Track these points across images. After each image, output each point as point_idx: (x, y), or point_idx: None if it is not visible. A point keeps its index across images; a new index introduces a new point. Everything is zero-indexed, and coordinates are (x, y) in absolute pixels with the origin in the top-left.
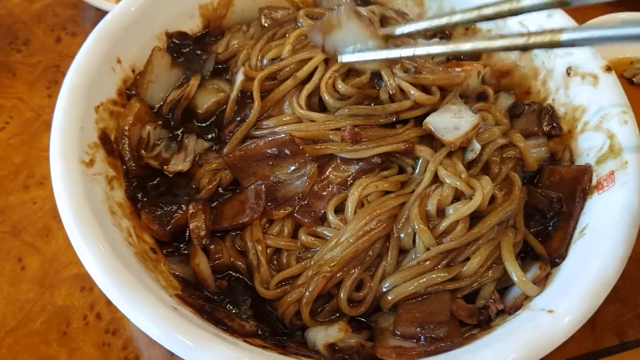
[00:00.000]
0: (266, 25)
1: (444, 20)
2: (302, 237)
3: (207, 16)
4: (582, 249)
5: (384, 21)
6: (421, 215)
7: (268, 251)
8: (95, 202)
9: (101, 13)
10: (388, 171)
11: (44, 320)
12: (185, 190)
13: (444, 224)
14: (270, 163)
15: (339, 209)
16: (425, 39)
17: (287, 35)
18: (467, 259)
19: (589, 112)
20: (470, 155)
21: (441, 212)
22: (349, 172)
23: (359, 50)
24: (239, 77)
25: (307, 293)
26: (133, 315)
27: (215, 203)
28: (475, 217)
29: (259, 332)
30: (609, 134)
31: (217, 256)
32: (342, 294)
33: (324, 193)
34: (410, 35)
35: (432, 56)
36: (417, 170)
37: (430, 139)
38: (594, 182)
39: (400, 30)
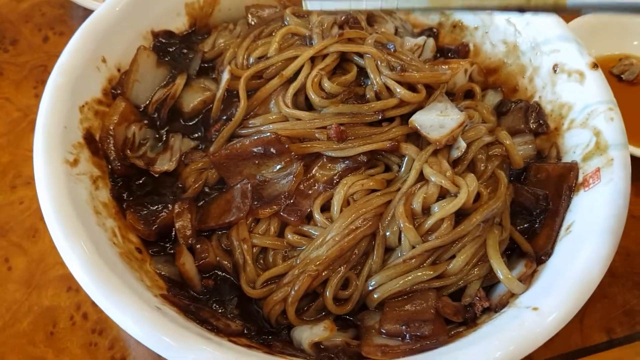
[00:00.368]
0: (253, 23)
1: None
2: (289, 236)
3: (194, 15)
4: (568, 246)
5: (371, 19)
6: (407, 213)
7: (254, 250)
8: (79, 202)
9: (89, 12)
10: (374, 169)
11: (30, 321)
12: (171, 190)
13: (429, 222)
14: (256, 162)
15: (325, 208)
16: (412, 37)
17: (273, 34)
18: (453, 256)
19: (575, 110)
20: (456, 153)
21: (427, 210)
22: (335, 171)
23: None
24: (225, 76)
25: (293, 292)
26: (116, 315)
27: (201, 202)
28: (460, 215)
29: (245, 332)
30: (595, 131)
31: (203, 255)
32: (328, 293)
33: (310, 192)
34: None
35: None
36: (402, 169)
37: (417, 137)
38: (580, 179)
39: None
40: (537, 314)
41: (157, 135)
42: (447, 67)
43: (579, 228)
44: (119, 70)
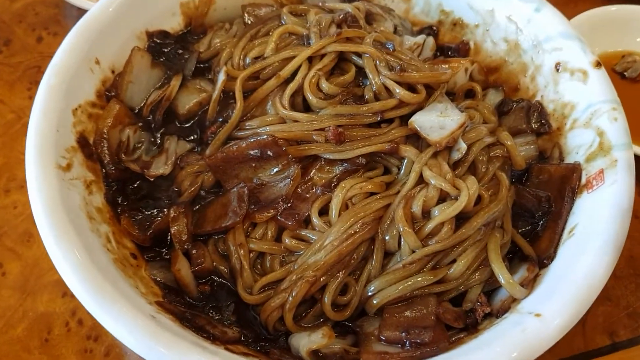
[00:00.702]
0: (249, 22)
1: None
2: (286, 241)
3: (189, 14)
4: (571, 249)
5: (369, 17)
6: (406, 217)
7: (251, 255)
8: (72, 208)
9: (83, 12)
10: (373, 172)
11: (25, 327)
12: (167, 194)
13: (430, 225)
14: (253, 165)
15: (324, 211)
16: (411, 35)
17: (270, 33)
18: (454, 261)
19: (578, 109)
20: (456, 155)
21: (426, 214)
22: (333, 173)
23: None
24: (221, 77)
25: (290, 298)
26: (109, 324)
27: (197, 206)
28: (461, 218)
29: (242, 339)
30: (599, 131)
31: (199, 261)
32: (326, 299)
33: (308, 195)
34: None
35: None
36: (402, 171)
37: (416, 139)
38: (583, 180)
39: None
40: (539, 320)
41: (152, 139)
42: (447, 66)
43: (582, 231)
44: (113, 71)
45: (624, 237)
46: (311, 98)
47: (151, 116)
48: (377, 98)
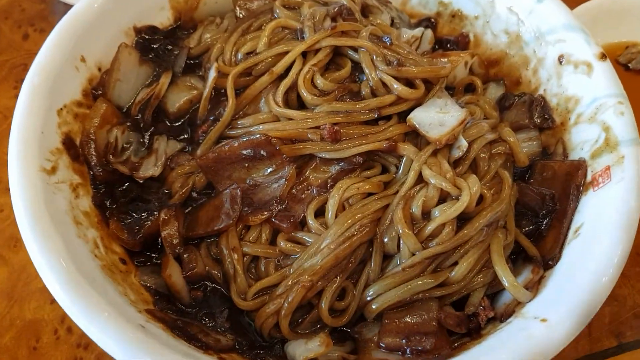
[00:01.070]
0: (241, 16)
1: None
2: (281, 244)
3: (178, 8)
4: (576, 250)
5: (365, 9)
6: (405, 218)
7: (245, 259)
8: (57, 213)
9: (70, 8)
10: (370, 171)
11: (12, 336)
12: (157, 196)
13: (430, 227)
14: (246, 165)
15: (320, 213)
16: (409, 28)
17: (262, 28)
18: (455, 263)
19: (582, 103)
20: (457, 153)
21: (427, 215)
22: (329, 173)
23: None
24: (212, 74)
25: (286, 304)
26: (95, 335)
27: (189, 208)
28: (462, 219)
29: (236, 346)
30: (605, 126)
31: (191, 266)
32: (323, 304)
33: (303, 196)
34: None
35: None
36: (400, 170)
37: (415, 136)
38: (588, 178)
39: None
40: (545, 326)
41: (141, 139)
42: (446, 60)
43: (589, 230)
44: (99, 69)
45: (632, 237)
46: (306, 95)
47: (140, 115)
48: (374, 94)
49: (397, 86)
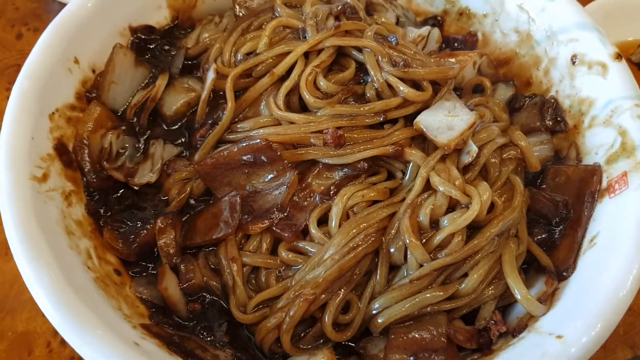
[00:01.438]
0: (240, 15)
1: None
2: (282, 254)
3: (176, 7)
4: (592, 261)
5: (370, 7)
6: (412, 227)
7: (244, 270)
8: (48, 223)
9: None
10: (376, 177)
11: (4, 349)
12: (153, 203)
13: (439, 237)
14: (246, 171)
15: (322, 221)
16: (415, 26)
17: (263, 27)
18: (465, 275)
19: (597, 105)
20: (466, 159)
21: (435, 224)
22: (333, 180)
23: None
24: (210, 75)
25: (288, 318)
26: (87, 354)
27: (186, 216)
28: (472, 228)
29: None
30: (621, 130)
31: (188, 277)
32: (326, 318)
33: (305, 203)
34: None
35: None
36: (407, 176)
37: (422, 140)
38: (604, 184)
39: None
40: (561, 343)
41: (137, 144)
42: (454, 60)
43: (605, 240)
44: (93, 71)
45: None
46: (308, 97)
47: (135, 119)
48: (379, 96)
49: (403, 88)
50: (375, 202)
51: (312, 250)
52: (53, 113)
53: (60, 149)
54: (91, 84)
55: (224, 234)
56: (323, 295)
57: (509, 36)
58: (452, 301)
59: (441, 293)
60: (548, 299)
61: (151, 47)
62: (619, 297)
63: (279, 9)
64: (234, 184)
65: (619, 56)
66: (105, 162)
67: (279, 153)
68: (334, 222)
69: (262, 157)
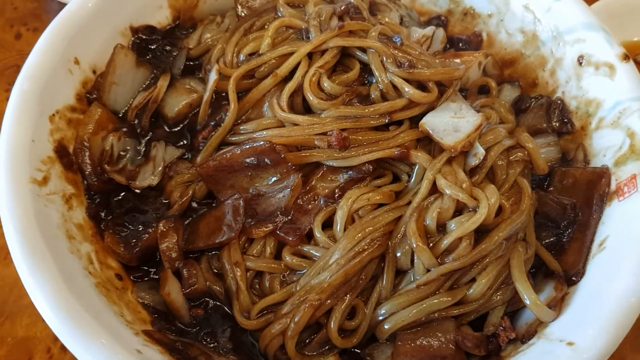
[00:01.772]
0: (243, 15)
1: None
2: (287, 258)
3: (177, 7)
4: (602, 265)
5: (373, 7)
6: (419, 231)
7: (248, 275)
8: (48, 227)
9: (65, 6)
10: (381, 179)
11: (3, 355)
12: (155, 206)
13: (446, 241)
14: (249, 174)
15: (327, 224)
16: (419, 26)
17: (266, 27)
18: (473, 280)
19: (604, 107)
20: (473, 161)
21: (442, 227)
22: (338, 183)
23: None
24: (212, 76)
25: (293, 324)
26: None
27: (188, 220)
28: (480, 232)
29: None
30: (629, 131)
31: (191, 281)
32: (332, 324)
33: (310, 207)
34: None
35: None
36: (413, 179)
37: (428, 142)
38: (612, 186)
39: None
40: (572, 350)
41: (139, 147)
42: (459, 60)
43: (615, 243)
44: (94, 72)
45: None
46: (312, 98)
47: (137, 120)
48: (384, 98)
49: (408, 89)
50: (380, 205)
51: (317, 254)
52: (53, 115)
53: (61, 151)
54: (92, 85)
55: (227, 238)
56: (328, 301)
57: (515, 36)
58: (460, 307)
59: (449, 298)
60: (557, 305)
61: (152, 47)
62: (631, 303)
63: (281, 9)
64: (237, 186)
65: (626, 57)
66: (106, 165)
67: (282, 155)
68: (339, 225)
69: (266, 160)
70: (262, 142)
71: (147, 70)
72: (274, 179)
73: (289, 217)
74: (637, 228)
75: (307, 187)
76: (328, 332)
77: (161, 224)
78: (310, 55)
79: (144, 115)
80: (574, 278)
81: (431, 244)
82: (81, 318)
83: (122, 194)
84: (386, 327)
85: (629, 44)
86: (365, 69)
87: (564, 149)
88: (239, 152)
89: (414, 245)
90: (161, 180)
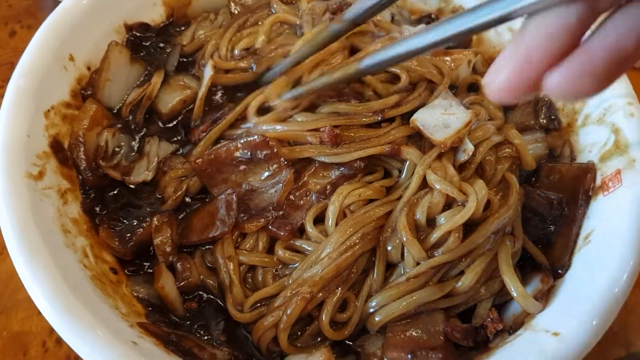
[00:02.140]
0: (236, 12)
1: None
2: (279, 252)
3: (171, 4)
4: (587, 258)
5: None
6: (410, 225)
7: (241, 269)
8: (44, 221)
9: (59, 4)
10: (372, 175)
11: None
12: (149, 201)
13: (435, 235)
14: (242, 168)
15: (319, 219)
16: (410, 25)
17: (260, 23)
18: (462, 272)
19: (590, 104)
20: (463, 157)
21: (432, 221)
22: (329, 179)
23: None
24: (208, 72)
25: (285, 317)
26: (84, 352)
27: (182, 214)
28: (468, 225)
29: None
30: (614, 128)
31: (184, 275)
32: (324, 317)
33: (302, 202)
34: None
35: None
36: (403, 174)
37: (419, 138)
38: (598, 182)
39: None
40: (558, 340)
41: (133, 142)
42: (449, 58)
43: (600, 237)
44: (89, 68)
45: None
46: None
47: (131, 117)
48: (377, 95)
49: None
50: (371, 200)
51: (309, 248)
52: (49, 110)
53: (56, 146)
54: (86, 81)
55: (221, 233)
56: (320, 294)
57: (503, 35)
58: (449, 299)
59: (438, 291)
60: (544, 297)
61: (146, 44)
62: (615, 293)
63: (275, 6)
64: (230, 182)
65: None
66: (101, 161)
67: (275, 150)
68: (330, 220)
69: (259, 154)
70: (255, 137)
71: (141, 67)
72: (267, 174)
73: (281, 213)
74: (621, 221)
75: (299, 183)
76: (320, 324)
77: (155, 219)
78: None
79: (138, 111)
80: (560, 271)
81: (421, 238)
82: (77, 310)
83: (117, 189)
84: (377, 319)
85: None
86: None
87: (551, 145)
88: (233, 146)
89: (404, 239)
90: (155, 175)
